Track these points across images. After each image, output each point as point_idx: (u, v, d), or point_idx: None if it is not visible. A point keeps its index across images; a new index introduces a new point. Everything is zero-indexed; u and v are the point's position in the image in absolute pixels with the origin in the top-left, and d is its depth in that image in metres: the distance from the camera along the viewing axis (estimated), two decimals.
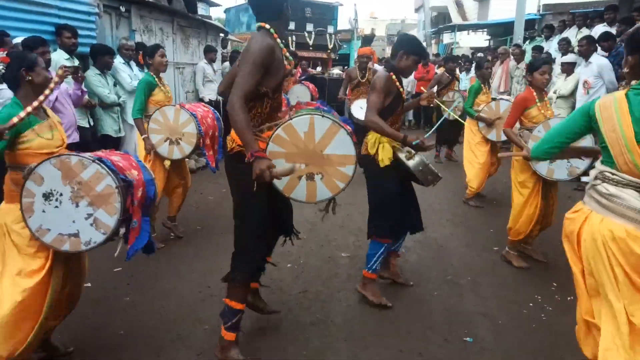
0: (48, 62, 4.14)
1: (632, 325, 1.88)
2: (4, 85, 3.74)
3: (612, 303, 1.92)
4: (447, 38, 25.01)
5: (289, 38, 11.33)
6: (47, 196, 2.34)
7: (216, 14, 17.70)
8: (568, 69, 6.86)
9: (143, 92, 4.19)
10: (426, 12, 22.85)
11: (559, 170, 3.70)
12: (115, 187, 2.33)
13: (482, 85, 6.02)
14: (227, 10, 15.85)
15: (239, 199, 2.58)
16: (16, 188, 2.34)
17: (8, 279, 2.34)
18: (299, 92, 8.02)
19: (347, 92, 7.13)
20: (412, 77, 11.19)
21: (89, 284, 3.52)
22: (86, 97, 4.74)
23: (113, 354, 2.80)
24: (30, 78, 2.36)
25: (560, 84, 7.00)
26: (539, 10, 16.40)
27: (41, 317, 2.37)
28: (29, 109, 2.23)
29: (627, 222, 1.90)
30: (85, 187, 2.34)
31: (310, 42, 12.29)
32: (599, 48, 6.40)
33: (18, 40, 3.99)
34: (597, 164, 2.10)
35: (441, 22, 28.74)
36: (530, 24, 14.27)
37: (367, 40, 17.14)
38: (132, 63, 5.87)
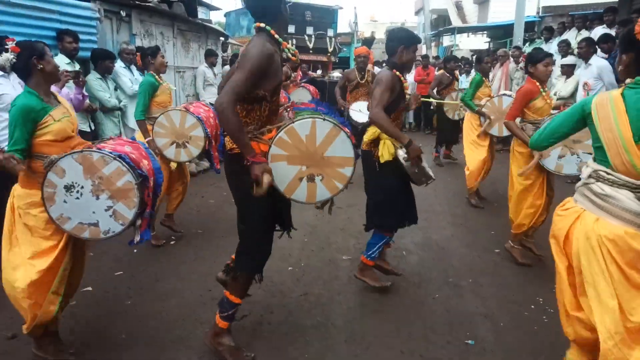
0: None
1: (628, 322, 1.86)
2: (3, 89, 3.77)
3: (606, 302, 1.90)
4: (447, 40, 25.02)
5: (289, 41, 11.36)
6: (68, 188, 2.48)
7: (216, 18, 17.73)
8: (568, 70, 6.87)
9: (147, 93, 4.20)
10: (426, 14, 22.91)
11: (569, 165, 3.66)
12: (135, 184, 2.50)
13: (483, 78, 6.09)
14: (227, 14, 15.89)
15: (239, 199, 2.61)
16: (33, 174, 2.46)
17: (22, 262, 2.48)
18: (301, 95, 8.04)
19: (345, 96, 7.04)
20: (412, 79, 11.22)
21: (90, 288, 3.53)
22: (87, 101, 4.77)
23: (114, 356, 2.80)
24: (41, 66, 2.44)
25: (561, 85, 7.01)
26: (538, 13, 16.43)
27: (50, 289, 2.52)
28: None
29: (623, 224, 1.89)
30: (106, 182, 2.50)
31: (311, 46, 12.33)
32: (598, 50, 6.41)
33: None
34: (590, 162, 2.09)
35: (441, 24, 28.79)
36: (529, 26, 14.30)
37: (367, 43, 17.13)
38: (133, 67, 5.89)
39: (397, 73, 3.28)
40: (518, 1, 11.96)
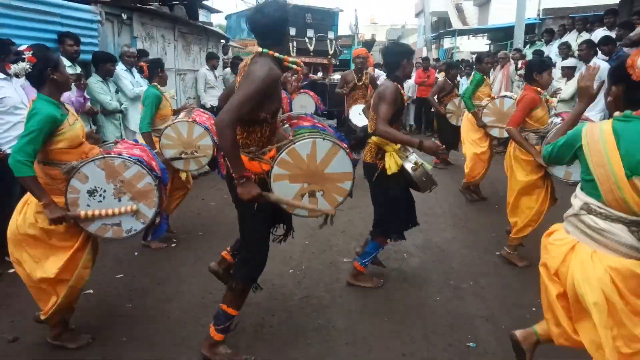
0: None
1: (624, 348, 1.85)
2: (5, 92, 3.77)
3: (600, 333, 1.88)
4: (447, 43, 25.07)
5: (290, 44, 11.37)
6: (91, 192, 2.64)
7: (217, 21, 17.78)
8: (568, 73, 6.87)
9: (153, 106, 4.23)
10: (426, 17, 22.93)
11: (577, 172, 3.67)
12: (154, 185, 2.72)
13: (484, 77, 6.13)
14: (228, 17, 15.92)
15: (241, 214, 2.67)
16: (51, 182, 2.57)
17: (41, 263, 2.63)
18: (303, 101, 8.05)
19: (344, 90, 6.96)
20: (412, 81, 11.22)
21: (91, 291, 3.53)
22: (88, 104, 4.78)
23: (115, 358, 2.80)
24: (54, 77, 2.56)
25: (561, 88, 7.01)
26: (539, 15, 16.46)
27: (70, 282, 2.65)
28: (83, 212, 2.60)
29: (620, 257, 1.87)
30: (127, 185, 2.68)
31: (311, 48, 12.33)
32: (599, 52, 6.42)
33: (22, 48, 4.01)
34: (579, 192, 2.07)
35: (441, 27, 28.85)
36: (530, 28, 14.32)
37: (368, 45, 17.17)
38: (134, 70, 5.90)
39: (399, 86, 3.39)
40: (518, 3, 11.98)
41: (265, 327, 3.13)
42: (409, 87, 11.28)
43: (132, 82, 5.75)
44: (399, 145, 3.43)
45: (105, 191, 2.66)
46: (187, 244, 4.57)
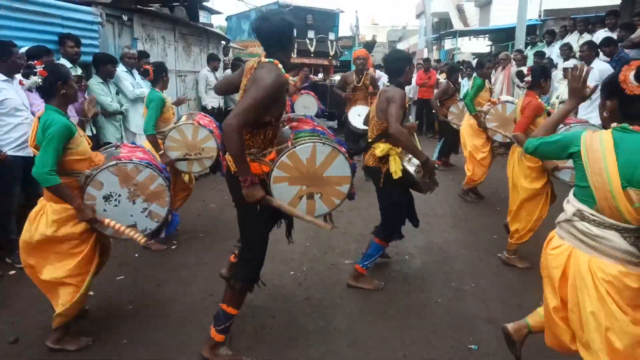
0: None
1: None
2: (6, 94, 3.77)
3: (595, 339, 1.92)
4: (448, 44, 25.06)
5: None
6: (107, 198, 2.79)
7: (217, 22, 17.80)
8: None
9: (158, 109, 4.28)
10: (427, 18, 22.91)
11: None
12: (166, 185, 2.92)
13: (484, 82, 6.16)
14: (228, 18, 15.94)
15: (241, 214, 2.70)
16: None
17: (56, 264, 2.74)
18: (306, 102, 8.04)
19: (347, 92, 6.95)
20: (414, 83, 11.21)
21: (92, 292, 3.52)
22: (97, 108, 4.77)
23: None
24: (64, 91, 2.69)
25: (563, 89, 7.00)
26: (540, 16, 16.45)
27: (87, 279, 2.80)
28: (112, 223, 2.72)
29: (615, 262, 1.89)
30: (140, 187, 2.85)
31: (312, 49, 12.33)
32: (600, 53, 6.41)
33: (22, 50, 4.03)
34: (571, 198, 2.08)
35: (442, 28, 28.85)
36: (531, 29, 14.32)
37: (369, 46, 17.21)
38: (135, 71, 5.90)
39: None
40: (520, 4, 11.98)
41: (265, 329, 3.12)
42: (410, 88, 11.27)
43: (133, 83, 5.75)
44: (400, 149, 3.48)
45: (120, 195, 2.81)
46: (188, 246, 4.57)
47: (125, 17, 6.30)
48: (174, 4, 8.18)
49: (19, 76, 3.92)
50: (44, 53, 4.07)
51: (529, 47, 11.16)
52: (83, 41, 5.02)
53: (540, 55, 8.83)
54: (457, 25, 27.04)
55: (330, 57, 12.95)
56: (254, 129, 2.52)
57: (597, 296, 1.90)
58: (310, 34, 12.30)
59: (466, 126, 6.29)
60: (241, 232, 2.75)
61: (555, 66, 8.22)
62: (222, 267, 3.99)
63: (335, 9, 13.55)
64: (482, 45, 23.50)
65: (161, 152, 4.22)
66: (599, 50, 6.40)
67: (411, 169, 3.44)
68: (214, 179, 7.18)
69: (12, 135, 3.79)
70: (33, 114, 3.94)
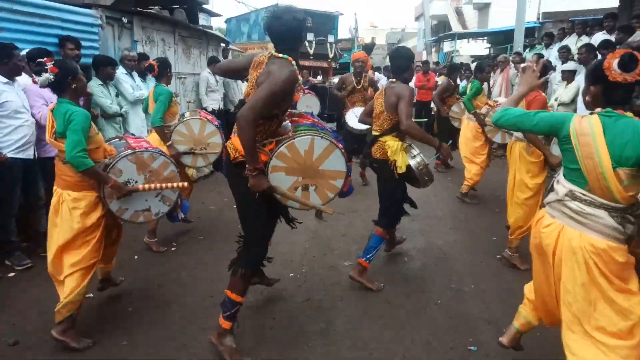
0: None
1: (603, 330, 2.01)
2: (7, 96, 3.78)
3: (584, 309, 2.04)
4: (447, 46, 25.12)
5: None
6: (125, 184, 2.98)
7: (217, 24, 17.83)
8: (569, 76, 6.88)
9: (167, 102, 4.38)
10: (426, 20, 22.98)
11: None
12: (177, 171, 3.21)
13: (482, 87, 6.21)
14: (227, 21, 15.96)
15: (242, 203, 2.81)
16: (83, 178, 2.82)
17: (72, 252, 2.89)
18: (309, 102, 8.07)
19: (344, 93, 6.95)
20: (412, 85, 11.23)
21: (91, 294, 3.52)
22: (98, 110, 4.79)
23: None
24: (75, 85, 2.86)
25: (561, 91, 7.03)
26: (538, 19, 16.51)
27: (95, 266, 2.99)
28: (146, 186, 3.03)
29: (605, 238, 2.01)
30: (155, 174, 3.10)
31: (311, 52, 12.36)
32: (599, 56, 6.42)
33: (23, 52, 4.03)
34: (562, 179, 2.17)
35: (441, 30, 28.91)
36: (530, 31, 14.35)
37: (368, 49, 17.22)
38: (135, 74, 5.91)
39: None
40: (518, 7, 12.01)
41: (266, 330, 3.12)
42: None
43: (133, 85, 5.75)
44: (405, 144, 3.69)
45: (137, 182, 3.03)
46: (188, 247, 4.57)
47: (125, 20, 6.30)
48: (174, 6, 8.20)
49: (20, 78, 3.96)
50: (44, 55, 4.06)
51: (527, 50, 11.19)
52: (83, 43, 5.01)
53: (538, 57, 8.84)
54: (456, 27, 27.10)
55: (329, 60, 12.98)
56: (261, 119, 2.59)
57: (587, 269, 2.01)
58: (310, 36, 12.32)
59: (465, 130, 6.33)
60: (241, 220, 2.85)
61: (554, 69, 8.23)
62: (222, 268, 4.00)
63: (335, 11, 13.59)
64: (481, 47, 23.56)
65: (169, 143, 4.29)
66: (597, 52, 6.42)
67: (414, 164, 3.61)
68: (213, 181, 7.19)
69: (13, 138, 3.79)
70: (33, 116, 3.95)
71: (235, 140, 2.67)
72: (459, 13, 29.82)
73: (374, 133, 3.83)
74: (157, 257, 4.31)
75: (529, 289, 2.60)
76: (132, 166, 3.00)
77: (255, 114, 2.42)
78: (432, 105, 9.25)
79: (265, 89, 2.45)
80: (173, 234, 4.88)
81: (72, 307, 2.86)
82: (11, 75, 3.82)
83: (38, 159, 4.07)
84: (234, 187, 2.81)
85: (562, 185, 2.14)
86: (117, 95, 5.57)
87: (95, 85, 5.21)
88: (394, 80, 3.77)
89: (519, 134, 4.00)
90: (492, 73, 10.03)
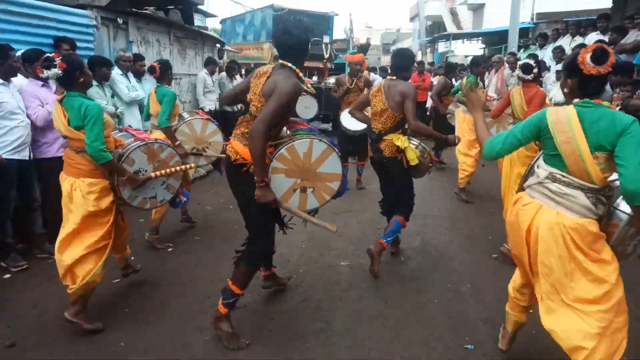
0: None
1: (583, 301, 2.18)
2: (2, 97, 3.76)
3: (562, 280, 2.22)
4: (442, 47, 25.21)
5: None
6: (137, 173, 3.21)
7: (212, 25, 17.82)
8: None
9: (172, 103, 4.46)
10: (421, 21, 23.07)
11: None
12: (181, 161, 3.53)
13: (477, 80, 6.29)
14: (222, 21, 15.96)
15: (244, 202, 2.90)
16: (96, 167, 2.98)
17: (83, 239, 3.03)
18: (307, 103, 8.06)
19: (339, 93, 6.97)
20: None
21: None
22: None
23: None
24: (82, 79, 3.01)
25: (556, 91, 7.05)
26: (532, 19, 16.61)
27: (108, 248, 3.12)
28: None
29: (580, 216, 2.18)
30: (162, 163, 3.37)
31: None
32: None
33: (18, 53, 4.02)
34: (542, 163, 2.32)
35: (436, 31, 29.01)
36: (524, 32, 14.43)
37: (363, 49, 17.25)
38: (130, 74, 5.90)
39: None
40: (512, 7, 12.08)
41: (264, 330, 3.12)
42: None
43: (128, 86, 5.74)
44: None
45: (146, 170, 3.27)
46: (185, 248, 4.56)
47: (120, 20, 6.30)
48: (169, 7, 8.18)
49: (15, 79, 3.94)
50: (40, 56, 4.05)
51: (521, 50, 11.24)
52: (78, 44, 5.02)
53: (533, 58, 8.88)
54: (451, 28, 27.21)
55: (324, 60, 12.97)
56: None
57: (564, 243, 2.17)
58: (310, 42, 12.31)
59: (461, 123, 6.41)
60: (245, 219, 2.96)
61: (548, 69, 8.29)
62: (220, 268, 4.02)
63: (330, 12, 13.60)
64: (475, 48, 23.67)
65: (177, 142, 4.36)
66: None
67: (419, 157, 3.87)
68: (209, 181, 7.19)
69: (8, 139, 3.77)
70: (29, 117, 3.94)
71: (235, 144, 2.80)
72: (453, 14, 29.93)
73: (375, 130, 3.96)
74: (155, 258, 4.30)
75: (512, 285, 2.74)
76: (144, 156, 3.25)
77: (267, 127, 2.57)
78: (427, 105, 9.27)
79: (273, 102, 2.59)
80: (171, 234, 4.87)
81: (87, 287, 3.02)
82: (7, 76, 3.81)
83: (33, 160, 4.05)
84: (235, 187, 2.92)
85: (542, 169, 2.28)
86: (112, 96, 5.56)
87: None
88: (393, 77, 3.90)
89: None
90: (487, 73, 10.08)
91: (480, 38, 22.01)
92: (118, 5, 6.33)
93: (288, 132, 3.03)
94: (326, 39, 13.04)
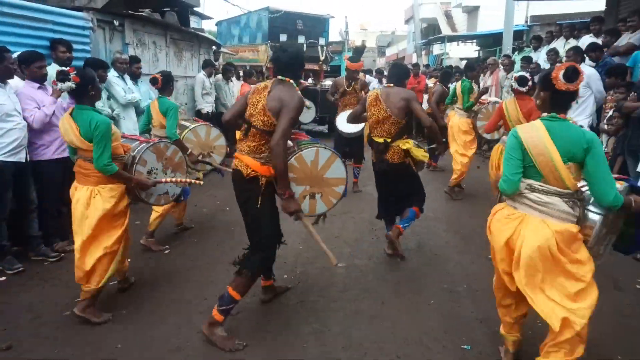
0: (44, 77, 4.16)
1: (565, 290, 2.35)
2: None
3: (544, 278, 2.37)
4: (437, 49, 25.28)
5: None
6: (150, 172, 3.51)
7: (208, 27, 17.81)
8: None
9: (177, 115, 4.54)
10: (416, 23, 23.15)
11: None
12: (184, 157, 3.88)
13: (472, 84, 6.37)
14: (218, 23, 15.96)
15: (254, 213, 2.98)
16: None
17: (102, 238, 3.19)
18: (306, 105, 8.09)
19: (336, 97, 6.97)
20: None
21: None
22: None
23: None
24: (93, 92, 3.17)
25: None
26: (526, 22, 16.69)
27: (121, 248, 3.30)
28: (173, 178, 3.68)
29: (561, 221, 2.35)
30: (169, 160, 3.68)
31: None
32: (586, 58, 6.52)
33: (15, 55, 4.01)
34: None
35: (431, 33, 29.09)
36: (518, 34, 14.50)
37: (358, 51, 17.28)
38: (126, 76, 5.90)
39: None
40: (507, 10, 12.16)
41: (261, 332, 3.13)
42: None
43: (124, 88, 5.74)
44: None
45: (157, 169, 3.55)
46: (181, 250, 4.56)
47: (116, 22, 6.30)
48: (165, 9, 8.18)
49: (11, 81, 3.94)
50: (37, 58, 4.06)
51: (516, 53, 11.31)
52: (74, 46, 5.00)
53: (527, 60, 8.95)
54: (446, 30, 27.32)
55: (320, 62, 13.00)
56: (270, 136, 2.84)
57: (548, 247, 2.30)
58: (301, 39, 12.35)
59: (456, 126, 6.50)
60: (253, 229, 3.03)
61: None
62: (215, 271, 4.03)
63: (325, 14, 13.63)
64: (470, 50, 23.75)
65: (189, 151, 4.43)
66: (585, 55, 6.52)
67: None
68: (205, 184, 7.17)
69: (4, 141, 3.76)
70: (25, 119, 3.93)
71: (245, 159, 2.93)
72: (448, 16, 30.05)
73: (379, 139, 4.08)
74: (151, 260, 4.30)
75: (498, 306, 2.86)
76: (153, 156, 3.50)
77: (285, 142, 2.79)
78: (424, 108, 9.29)
79: (287, 118, 2.78)
80: (167, 236, 4.87)
81: (101, 288, 3.21)
82: (3, 78, 3.80)
83: (30, 162, 4.04)
84: (245, 199, 2.99)
85: (522, 182, 2.43)
86: (108, 98, 5.56)
87: None
88: (390, 85, 4.06)
89: (506, 138, 4.10)
90: (482, 75, 10.14)
91: (474, 40, 22.09)
92: (114, 7, 6.33)
93: (291, 143, 3.17)
94: (322, 41, 13.09)
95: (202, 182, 3.95)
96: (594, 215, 2.40)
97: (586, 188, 2.39)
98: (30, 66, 4.03)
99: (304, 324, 3.25)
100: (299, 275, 4.03)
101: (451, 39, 22.84)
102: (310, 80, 12.91)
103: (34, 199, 4.13)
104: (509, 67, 9.20)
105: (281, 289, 3.68)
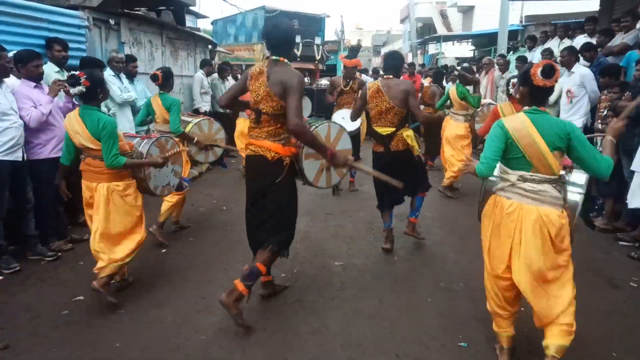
0: (41, 76, 4.14)
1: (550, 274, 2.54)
2: None
3: (539, 259, 2.51)
4: (432, 49, 25.36)
5: None
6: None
7: (203, 26, 17.77)
8: None
9: (180, 110, 4.64)
10: (411, 23, 23.14)
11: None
12: (180, 150, 4.06)
13: (467, 89, 6.40)
14: (214, 22, 15.92)
15: (277, 196, 3.14)
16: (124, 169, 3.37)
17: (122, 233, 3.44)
18: (304, 102, 8.10)
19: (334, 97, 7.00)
20: None
21: (82, 297, 3.51)
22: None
23: None
24: (101, 95, 3.37)
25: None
26: (521, 21, 16.76)
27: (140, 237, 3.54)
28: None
29: (554, 208, 2.51)
30: (170, 153, 3.83)
31: (298, 53, 12.38)
32: (581, 58, 6.56)
33: (10, 53, 3.99)
34: (507, 170, 2.58)
35: (426, 32, 29.16)
36: (513, 34, 14.57)
37: (354, 50, 17.31)
38: (122, 75, 5.88)
39: None
40: (502, 10, 12.20)
41: (259, 331, 3.14)
42: None
43: (120, 87, 5.72)
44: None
45: None
46: (178, 250, 4.56)
47: (112, 21, 6.29)
48: (161, 8, 8.17)
49: (8, 80, 3.92)
50: (34, 57, 4.04)
51: (510, 52, 11.35)
52: (70, 45, 4.98)
53: (522, 60, 8.98)
54: (441, 30, 27.38)
55: (316, 61, 13.01)
56: (284, 118, 2.96)
57: (542, 235, 2.49)
58: (297, 38, 12.33)
59: (451, 129, 6.55)
60: (274, 212, 3.15)
61: None
62: (212, 270, 4.04)
63: (321, 13, 13.65)
64: (465, 50, 23.83)
65: (195, 139, 4.70)
66: (579, 55, 6.55)
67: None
68: (202, 183, 7.19)
69: (1, 140, 3.75)
70: (22, 118, 3.92)
71: (266, 144, 3.06)
72: (443, 16, 30.12)
73: (384, 131, 4.20)
74: (148, 259, 4.29)
75: (488, 302, 2.89)
76: (157, 150, 3.73)
77: (301, 117, 2.89)
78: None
79: (295, 96, 2.88)
80: (165, 235, 4.86)
81: (122, 266, 3.45)
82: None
83: (27, 161, 4.03)
84: (268, 182, 3.11)
85: (510, 174, 2.56)
86: None
87: None
88: (390, 76, 4.18)
89: None
90: (477, 75, 10.16)
91: (470, 40, 22.15)
92: (110, 6, 6.31)
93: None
94: (318, 41, 13.09)
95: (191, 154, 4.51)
96: (574, 195, 2.66)
97: (563, 172, 2.59)
98: (26, 65, 4.02)
99: (302, 323, 3.26)
100: (297, 274, 4.04)
101: (446, 38, 22.91)
102: (306, 79, 12.92)
103: (30, 198, 4.12)
104: (504, 67, 9.25)
105: (280, 287, 3.69)
